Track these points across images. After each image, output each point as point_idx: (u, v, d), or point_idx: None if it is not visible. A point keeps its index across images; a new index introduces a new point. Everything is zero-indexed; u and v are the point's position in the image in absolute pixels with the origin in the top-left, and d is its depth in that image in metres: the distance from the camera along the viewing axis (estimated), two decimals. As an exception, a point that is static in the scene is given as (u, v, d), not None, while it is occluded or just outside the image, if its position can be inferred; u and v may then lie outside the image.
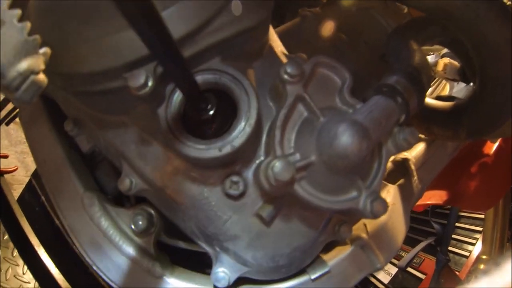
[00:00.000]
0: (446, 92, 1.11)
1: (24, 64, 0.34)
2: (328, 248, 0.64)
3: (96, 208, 0.64)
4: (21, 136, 2.64)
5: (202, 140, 0.47)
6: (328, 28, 0.81)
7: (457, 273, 2.12)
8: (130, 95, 0.49)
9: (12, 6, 0.35)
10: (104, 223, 0.64)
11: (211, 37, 0.48)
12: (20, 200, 1.64)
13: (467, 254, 2.15)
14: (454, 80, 0.98)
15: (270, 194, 0.50)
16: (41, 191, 1.53)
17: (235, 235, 0.54)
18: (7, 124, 1.24)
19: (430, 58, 1.06)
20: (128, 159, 0.57)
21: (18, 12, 0.35)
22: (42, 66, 0.36)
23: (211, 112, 0.49)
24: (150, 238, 0.63)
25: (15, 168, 1.81)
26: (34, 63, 0.35)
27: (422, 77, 0.58)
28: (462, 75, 0.94)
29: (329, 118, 0.46)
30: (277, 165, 0.42)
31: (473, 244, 2.17)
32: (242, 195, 0.53)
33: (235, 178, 0.52)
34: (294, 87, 0.47)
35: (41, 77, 0.35)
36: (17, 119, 1.24)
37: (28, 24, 0.35)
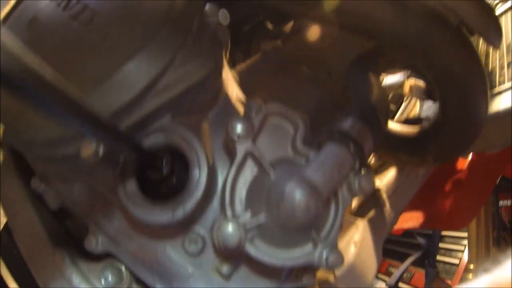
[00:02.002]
0: (416, 108, 1.13)
1: None
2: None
3: (67, 264, 0.65)
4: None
5: (156, 203, 0.48)
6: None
7: (449, 282, 2.14)
8: None
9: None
10: (75, 279, 0.64)
11: (159, 97, 0.48)
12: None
13: (457, 262, 2.18)
14: (421, 99, 1.00)
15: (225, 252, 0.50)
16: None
17: None
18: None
19: (397, 77, 1.08)
20: (93, 218, 0.58)
21: None
22: None
23: (165, 171, 0.49)
24: None
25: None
26: None
27: (379, 115, 0.59)
28: (428, 94, 0.96)
29: (279, 175, 0.47)
30: (227, 229, 0.42)
31: (461, 251, 2.19)
32: (201, 251, 0.53)
33: (193, 236, 0.52)
34: (243, 144, 0.47)
35: None
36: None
37: None
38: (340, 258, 0.46)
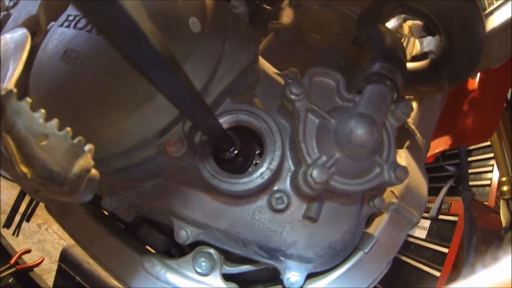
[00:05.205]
0: (417, 47, 1.24)
1: (77, 166, 0.39)
2: (369, 222, 0.75)
3: (159, 268, 0.71)
4: (33, 226, 2.71)
5: (242, 175, 0.58)
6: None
7: (485, 203, 2.28)
8: (164, 158, 0.58)
9: (47, 119, 0.39)
10: (171, 276, 0.70)
11: (220, 84, 0.59)
12: (55, 287, 1.71)
13: (488, 182, 2.32)
14: (422, 37, 1.11)
15: (311, 196, 0.61)
16: (73, 272, 1.60)
17: (293, 241, 0.65)
18: (28, 220, 1.32)
19: (394, 21, 1.18)
20: (175, 214, 0.66)
21: (56, 122, 0.39)
22: (92, 162, 0.40)
23: (237, 150, 0.59)
24: (216, 274, 0.70)
25: (42, 259, 1.90)
26: (85, 162, 0.39)
27: (399, 54, 0.71)
28: (427, 31, 1.07)
29: (338, 118, 0.58)
30: (314, 172, 0.54)
31: (491, 172, 2.34)
32: (287, 206, 0.64)
33: (278, 195, 0.63)
34: (302, 102, 0.59)
35: (94, 171, 0.40)
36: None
37: (69, 130, 0.39)
38: (405, 170, 0.58)
